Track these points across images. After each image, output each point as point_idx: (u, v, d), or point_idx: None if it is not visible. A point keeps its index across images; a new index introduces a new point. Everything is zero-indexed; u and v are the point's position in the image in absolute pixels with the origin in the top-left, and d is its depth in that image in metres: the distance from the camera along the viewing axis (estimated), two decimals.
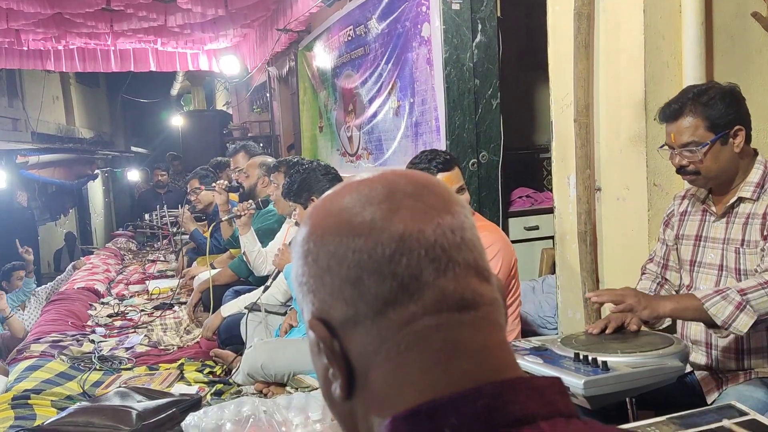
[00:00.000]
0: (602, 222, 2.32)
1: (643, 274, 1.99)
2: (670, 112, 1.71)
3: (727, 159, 1.68)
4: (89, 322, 3.78)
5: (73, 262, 5.96)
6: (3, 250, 7.50)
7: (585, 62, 2.24)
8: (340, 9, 4.56)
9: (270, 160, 4.02)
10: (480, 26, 3.43)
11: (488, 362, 0.57)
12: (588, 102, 2.26)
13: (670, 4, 2.08)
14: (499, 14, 3.50)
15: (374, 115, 4.17)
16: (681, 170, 1.73)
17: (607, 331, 1.69)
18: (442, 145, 3.39)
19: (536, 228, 3.69)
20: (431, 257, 0.57)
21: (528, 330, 2.77)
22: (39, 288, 5.60)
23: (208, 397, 2.53)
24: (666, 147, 1.75)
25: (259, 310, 2.97)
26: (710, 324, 1.58)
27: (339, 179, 2.72)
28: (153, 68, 7.85)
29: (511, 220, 3.72)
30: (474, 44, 3.42)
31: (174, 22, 5.97)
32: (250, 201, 3.35)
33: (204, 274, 3.82)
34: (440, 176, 2.19)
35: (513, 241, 3.71)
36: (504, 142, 3.51)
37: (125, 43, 7.09)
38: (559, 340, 1.70)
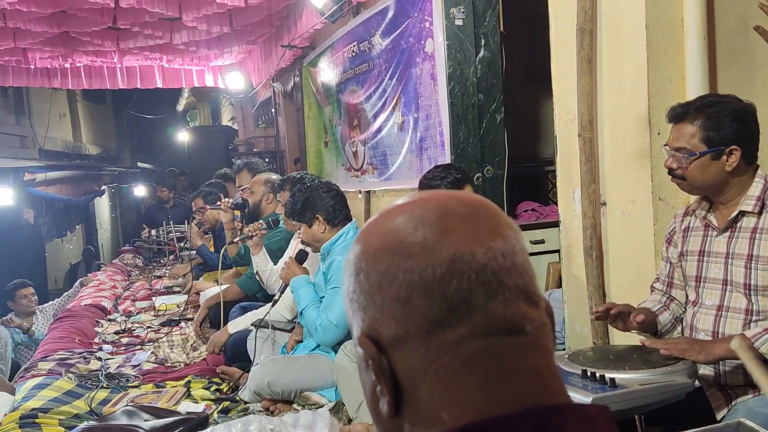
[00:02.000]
0: (608, 236, 2.32)
1: (651, 292, 1.99)
2: (675, 114, 1.73)
3: (714, 174, 1.68)
4: (96, 339, 3.79)
5: (80, 279, 5.97)
6: (10, 268, 7.53)
7: (588, 77, 2.25)
8: (344, 25, 4.59)
9: (274, 177, 4.04)
10: (483, 41, 3.45)
11: (537, 386, 0.57)
12: (592, 116, 2.27)
13: (672, 19, 2.09)
14: (502, 29, 3.53)
15: (379, 130, 4.19)
16: (670, 171, 1.76)
17: (611, 314, 1.79)
18: (446, 159, 3.40)
19: (542, 242, 3.68)
20: (481, 281, 0.57)
21: None
22: (46, 304, 5.61)
23: (215, 414, 2.52)
24: (667, 146, 1.76)
25: (266, 327, 2.97)
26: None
27: (341, 195, 2.73)
28: (159, 85, 7.90)
29: None
30: (477, 59, 3.44)
31: (179, 40, 6.03)
32: (261, 221, 3.36)
33: (211, 290, 3.82)
34: None
35: None
36: (509, 155, 3.52)
37: (131, 60, 7.16)
38: (566, 356, 1.70)
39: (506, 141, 3.48)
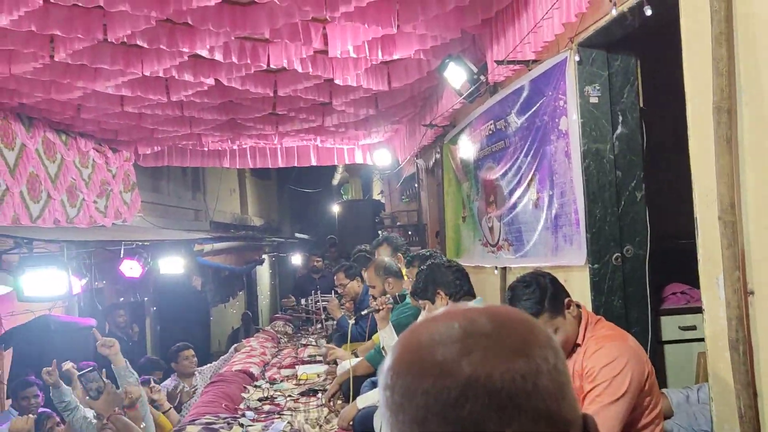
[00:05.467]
0: (757, 329, 2.08)
1: None
2: None
3: None
4: (241, 405, 3.99)
5: (234, 345, 6.36)
6: (180, 330, 8.24)
7: (727, 157, 2.09)
8: (482, 105, 4.67)
9: (387, 260, 4.11)
10: (621, 118, 3.33)
11: None
12: (733, 199, 2.09)
13: None
14: (641, 105, 3.40)
15: (514, 206, 4.14)
16: None
17: None
18: (582, 237, 3.28)
19: (693, 328, 3.36)
20: (496, 405, 0.55)
21: None
22: (205, 367, 6.02)
23: None
24: None
25: None
26: None
27: (462, 271, 2.72)
28: (314, 162, 8.46)
29: (664, 319, 3.44)
30: (615, 136, 3.32)
31: (330, 122, 6.47)
32: (388, 296, 3.42)
33: (345, 362, 3.91)
34: None
35: (665, 342, 3.43)
36: (654, 233, 3.31)
37: (289, 141, 7.76)
38: None
39: (648, 219, 3.29)
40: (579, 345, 2.27)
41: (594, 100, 3.30)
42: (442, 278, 2.64)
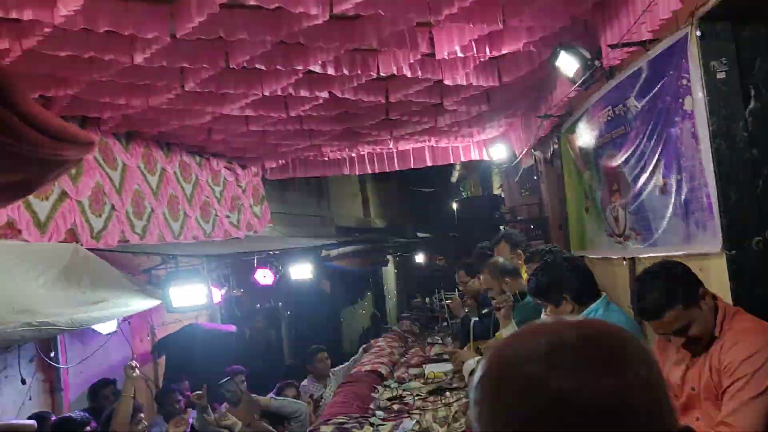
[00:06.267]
0: None
1: None
2: None
3: None
4: (371, 405, 4.10)
5: (362, 345, 6.54)
6: (313, 333, 8.60)
7: None
8: (598, 91, 4.48)
9: (501, 260, 4.01)
10: (753, 92, 3.08)
11: None
12: None
13: None
14: None
15: (639, 193, 3.94)
16: None
17: None
18: (716, 223, 3.06)
19: None
20: (584, 422, 0.54)
21: None
22: (337, 368, 6.24)
23: None
24: None
25: None
26: None
27: (588, 272, 2.62)
28: (429, 163, 8.50)
29: None
30: (747, 112, 3.07)
31: (444, 122, 6.48)
32: (508, 294, 3.38)
33: (470, 362, 3.90)
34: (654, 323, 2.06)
35: None
36: None
37: (404, 144, 7.85)
38: None
39: None
40: (716, 338, 2.13)
41: (721, 75, 3.07)
42: (567, 283, 2.56)
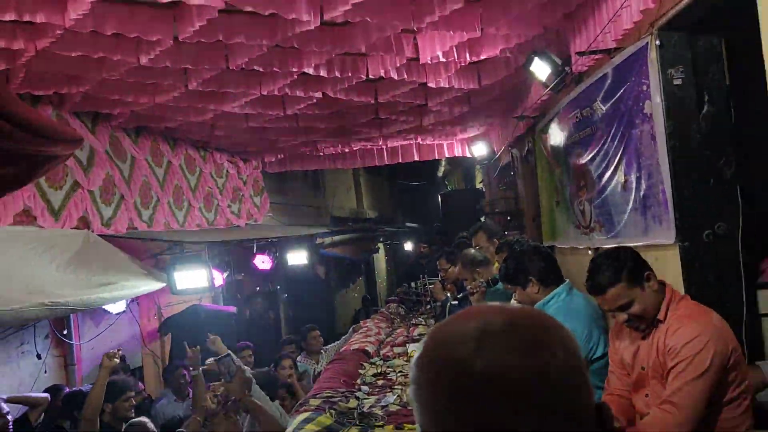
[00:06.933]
0: None
1: None
2: None
3: None
4: (358, 381, 4.12)
5: (353, 326, 6.57)
6: (308, 314, 8.62)
7: None
8: (568, 94, 4.50)
9: (471, 253, 4.03)
10: (707, 97, 3.10)
11: None
12: None
13: None
14: (727, 82, 3.14)
15: (603, 189, 3.97)
16: None
17: None
18: (670, 217, 3.09)
19: None
20: (509, 401, 0.55)
21: None
22: (329, 346, 6.27)
23: None
24: None
25: None
26: None
27: (551, 257, 2.66)
28: (416, 158, 8.51)
29: (762, 293, 3.17)
30: (701, 116, 3.09)
31: (428, 122, 6.48)
32: (481, 280, 3.40)
33: None
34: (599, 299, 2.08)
35: (763, 315, 3.16)
36: (749, 208, 3.05)
37: (393, 141, 7.86)
38: None
39: (741, 197, 3.04)
40: (662, 322, 2.16)
41: (678, 81, 3.09)
42: (532, 266, 2.59)
